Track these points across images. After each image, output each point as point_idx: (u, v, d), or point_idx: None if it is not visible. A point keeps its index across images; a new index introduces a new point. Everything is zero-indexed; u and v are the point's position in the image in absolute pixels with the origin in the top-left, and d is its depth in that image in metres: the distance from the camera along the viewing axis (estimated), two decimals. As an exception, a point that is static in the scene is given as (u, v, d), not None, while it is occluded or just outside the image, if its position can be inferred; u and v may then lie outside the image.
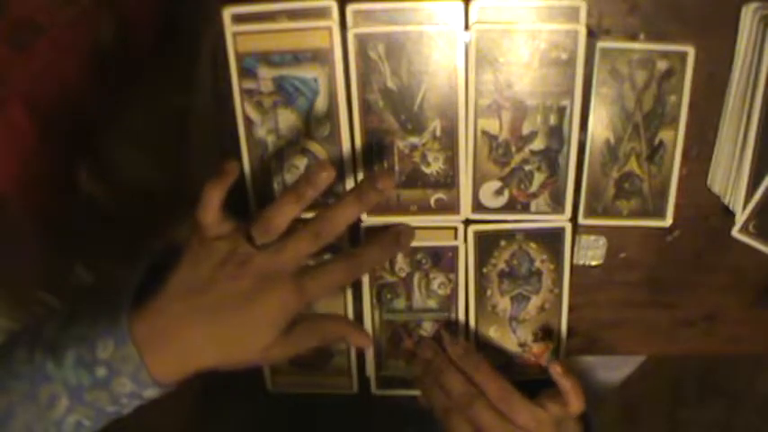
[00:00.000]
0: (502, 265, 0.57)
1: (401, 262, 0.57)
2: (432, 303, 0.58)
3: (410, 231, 0.54)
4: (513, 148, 0.54)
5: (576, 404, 0.52)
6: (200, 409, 0.64)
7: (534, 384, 0.62)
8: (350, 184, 0.54)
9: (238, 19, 0.51)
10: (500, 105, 0.53)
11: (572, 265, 0.57)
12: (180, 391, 0.51)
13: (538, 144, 0.54)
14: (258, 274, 0.45)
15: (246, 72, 0.52)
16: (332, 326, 0.52)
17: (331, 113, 0.53)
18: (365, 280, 0.57)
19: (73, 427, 0.44)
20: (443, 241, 0.56)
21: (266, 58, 0.52)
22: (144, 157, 0.61)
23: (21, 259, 0.62)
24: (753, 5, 0.53)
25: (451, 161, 0.54)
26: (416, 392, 0.61)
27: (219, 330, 0.45)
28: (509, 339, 0.60)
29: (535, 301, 0.58)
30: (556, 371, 0.52)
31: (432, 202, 0.55)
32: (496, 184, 0.55)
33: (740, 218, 0.55)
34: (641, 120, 0.55)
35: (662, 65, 0.54)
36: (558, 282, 0.58)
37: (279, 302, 0.45)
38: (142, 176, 0.60)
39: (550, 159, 0.54)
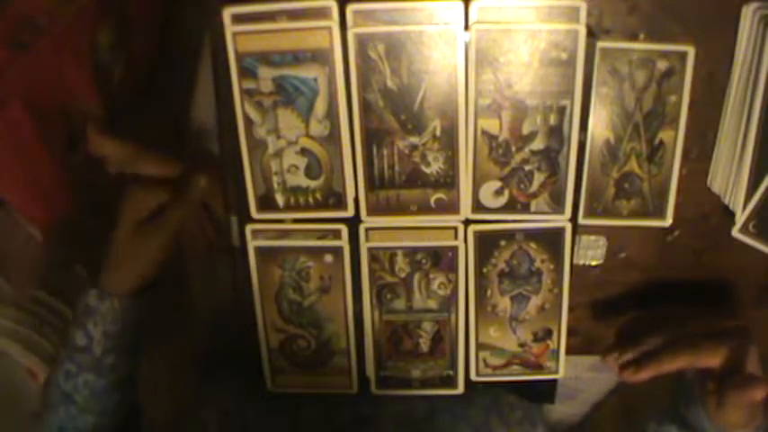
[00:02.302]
0: (502, 265, 0.57)
1: (401, 262, 0.57)
2: (432, 303, 0.58)
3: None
4: (513, 148, 0.54)
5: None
6: (201, 409, 0.64)
7: (534, 384, 0.62)
8: (350, 183, 0.54)
9: (238, 19, 0.51)
10: (500, 105, 0.53)
11: (572, 265, 0.57)
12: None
13: (538, 144, 0.54)
14: None
15: (246, 72, 0.52)
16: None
17: (331, 113, 0.53)
18: (365, 280, 0.57)
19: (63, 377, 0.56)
20: (443, 241, 0.56)
21: (266, 58, 0.51)
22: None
23: (21, 258, 0.62)
24: (753, 5, 0.53)
25: (451, 161, 0.54)
26: (416, 392, 0.61)
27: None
28: (509, 339, 0.60)
29: (535, 301, 0.58)
30: None
31: (432, 202, 0.55)
32: (496, 184, 0.55)
33: (740, 218, 0.55)
34: (641, 120, 0.55)
35: (662, 65, 0.54)
36: (558, 282, 0.58)
37: None
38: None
39: (550, 159, 0.54)
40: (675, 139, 0.56)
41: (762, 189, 0.53)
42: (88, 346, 0.55)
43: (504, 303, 0.58)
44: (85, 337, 0.55)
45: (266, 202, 0.56)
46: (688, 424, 0.55)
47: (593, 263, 0.62)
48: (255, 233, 0.56)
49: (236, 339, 0.61)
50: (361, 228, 0.56)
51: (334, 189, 0.55)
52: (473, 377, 0.61)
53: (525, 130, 0.53)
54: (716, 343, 0.52)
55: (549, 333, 0.59)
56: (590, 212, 0.58)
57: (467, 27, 0.51)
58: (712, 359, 0.51)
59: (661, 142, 0.56)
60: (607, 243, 0.61)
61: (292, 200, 0.55)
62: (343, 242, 0.56)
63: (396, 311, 0.59)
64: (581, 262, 0.62)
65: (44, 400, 0.58)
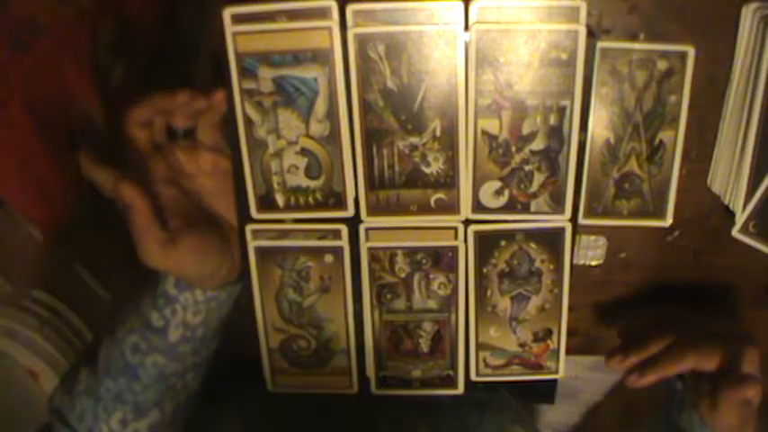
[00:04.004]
0: (502, 265, 0.57)
1: (401, 262, 0.57)
2: (432, 304, 0.58)
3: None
4: (513, 148, 0.54)
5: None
6: (200, 409, 0.64)
7: (534, 384, 0.62)
8: (350, 183, 0.54)
9: (238, 19, 0.51)
10: (500, 105, 0.53)
11: (572, 265, 0.57)
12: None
13: (538, 144, 0.54)
14: None
15: (246, 72, 0.52)
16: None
17: (331, 113, 0.53)
18: (365, 280, 0.57)
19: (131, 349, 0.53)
20: (443, 241, 0.56)
21: (266, 58, 0.52)
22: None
23: (21, 258, 0.62)
24: (753, 5, 0.53)
25: (451, 161, 0.54)
26: (416, 392, 0.61)
27: None
28: (509, 339, 0.60)
29: (535, 301, 0.58)
30: None
31: (432, 202, 0.55)
32: (496, 184, 0.55)
33: (740, 218, 0.55)
34: (641, 120, 0.55)
35: (662, 65, 0.54)
36: (558, 282, 0.58)
37: None
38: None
39: (550, 159, 0.54)
40: (675, 139, 0.56)
41: (762, 189, 0.53)
42: (164, 328, 0.53)
43: (504, 303, 0.58)
44: (161, 318, 0.53)
45: (266, 202, 0.56)
46: (682, 431, 0.55)
47: (594, 263, 0.62)
48: (255, 233, 0.56)
49: (236, 340, 0.61)
50: (361, 228, 0.56)
51: (335, 189, 0.55)
52: (473, 377, 0.61)
53: (525, 130, 0.53)
54: (717, 346, 0.52)
55: (549, 333, 0.59)
56: (590, 212, 0.58)
57: (467, 27, 0.51)
58: (714, 362, 0.52)
59: (661, 142, 0.56)
60: (607, 243, 0.61)
61: (292, 200, 0.55)
62: (344, 242, 0.56)
63: (396, 311, 0.59)
64: (581, 262, 0.62)
65: (95, 356, 0.55)
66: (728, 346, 0.52)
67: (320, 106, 0.53)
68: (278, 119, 0.53)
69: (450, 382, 0.61)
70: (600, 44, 0.53)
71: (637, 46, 0.54)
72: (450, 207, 0.55)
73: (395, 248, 0.57)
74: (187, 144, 0.52)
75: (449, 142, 0.53)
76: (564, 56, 0.51)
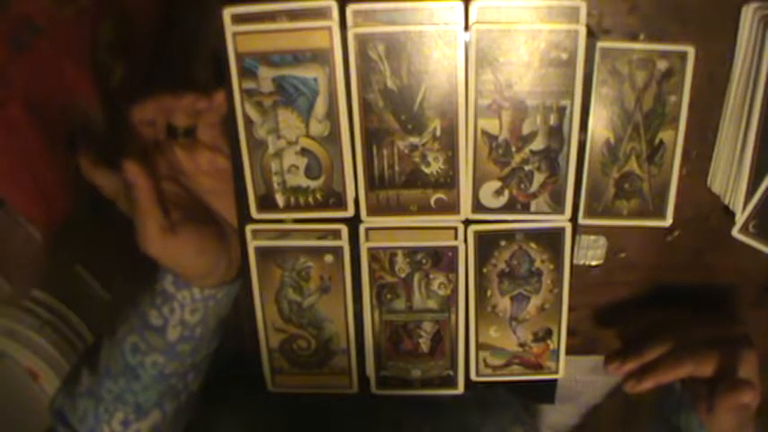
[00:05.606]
0: (502, 265, 0.57)
1: (401, 262, 0.57)
2: (432, 304, 0.58)
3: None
4: (513, 148, 0.54)
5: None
6: (200, 409, 0.64)
7: (534, 385, 0.62)
8: (350, 183, 0.54)
9: (238, 19, 0.51)
10: (500, 105, 0.53)
11: (572, 265, 0.57)
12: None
13: (538, 144, 0.54)
14: None
15: (246, 72, 0.52)
16: None
17: (331, 113, 0.53)
18: (365, 280, 0.57)
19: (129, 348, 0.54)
20: (443, 241, 0.56)
21: (266, 58, 0.52)
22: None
23: (21, 258, 0.62)
24: (753, 5, 0.53)
25: (451, 161, 0.54)
26: (416, 392, 0.61)
27: None
28: (509, 339, 0.59)
29: (535, 301, 0.58)
30: None
31: (432, 202, 0.55)
32: (496, 184, 0.55)
33: (740, 218, 0.55)
34: (641, 120, 0.55)
35: (662, 65, 0.54)
36: (558, 282, 0.58)
37: None
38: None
39: (550, 159, 0.54)
40: (675, 139, 0.56)
41: (762, 189, 0.53)
42: (162, 327, 0.53)
43: (504, 303, 0.58)
44: (160, 317, 0.53)
45: (266, 202, 0.56)
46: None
47: (594, 263, 0.62)
48: (255, 233, 0.56)
49: (236, 341, 0.61)
50: (361, 228, 0.56)
51: (335, 189, 0.55)
52: (473, 377, 0.61)
53: (525, 130, 0.53)
54: (715, 351, 0.52)
55: (549, 333, 0.59)
56: (590, 212, 0.58)
57: (467, 27, 0.51)
58: (711, 368, 0.52)
59: (661, 142, 0.56)
60: (607, 243, 0.61)
61: (292, 200, 0.55)
62: (343, 242, 0.56)
63: (396, 311, 0.59)
64: (581, 262, 0.62)
65: (96, 358, 0.55)
66: (726, 351, 0.52)
67: (320, 106, 0.53)
68: (278, 119, 0.53)
69: (450, 382, 0.61)
70: (600, 44, 0.53)
71: (637, 46, 0.54)
72: (451, 207, 0.55)
73: (395, 248, 0.57)
74: (187, 143, 0.53)
75: (449, 142, 0.53)
76: (564, 56, 0.51)
